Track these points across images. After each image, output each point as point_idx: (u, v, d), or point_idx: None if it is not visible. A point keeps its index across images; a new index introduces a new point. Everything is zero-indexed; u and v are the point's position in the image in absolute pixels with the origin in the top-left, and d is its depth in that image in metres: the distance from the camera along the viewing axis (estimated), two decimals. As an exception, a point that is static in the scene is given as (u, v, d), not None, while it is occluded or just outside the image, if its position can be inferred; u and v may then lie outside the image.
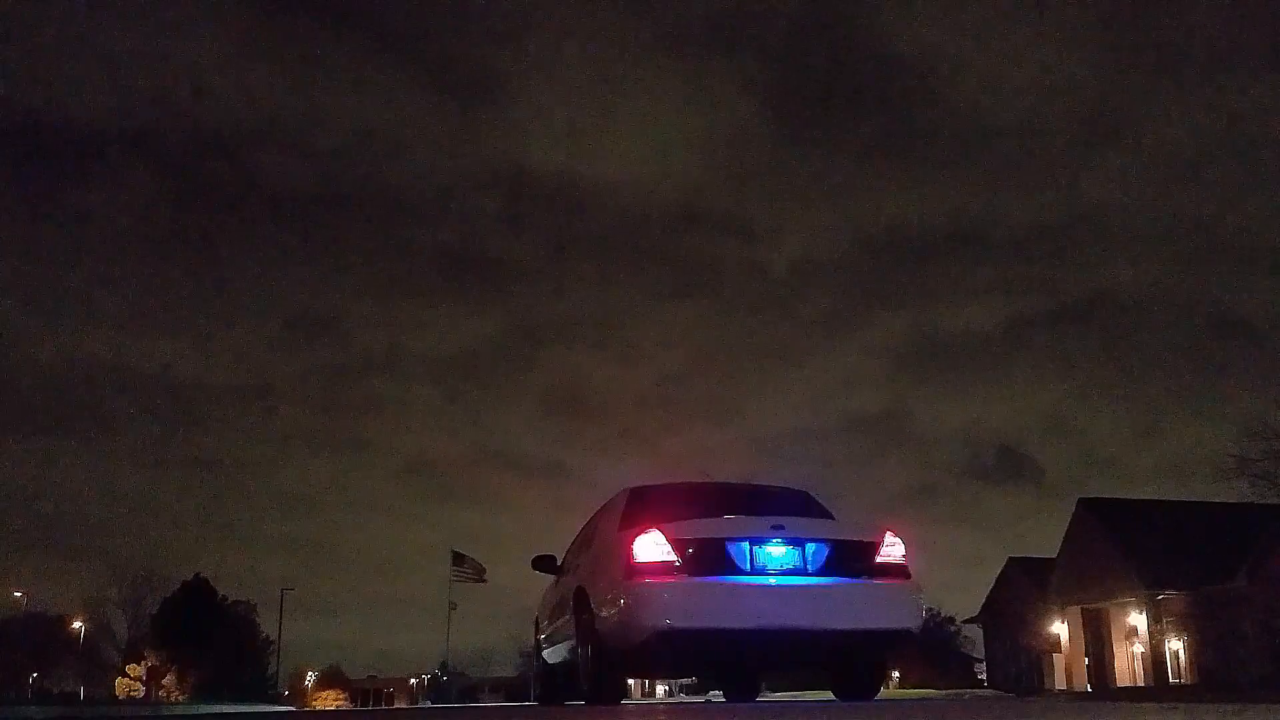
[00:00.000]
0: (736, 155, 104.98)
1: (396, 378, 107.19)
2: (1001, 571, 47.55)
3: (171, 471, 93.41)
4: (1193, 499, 36.41)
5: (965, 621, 55.35)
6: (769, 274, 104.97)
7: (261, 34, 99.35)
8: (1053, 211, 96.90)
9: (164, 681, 54.14)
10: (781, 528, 6.02)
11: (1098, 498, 39.68)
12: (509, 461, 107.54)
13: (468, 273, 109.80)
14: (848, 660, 6.71)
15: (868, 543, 6.18)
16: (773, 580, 5.88)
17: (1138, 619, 36.47)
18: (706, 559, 5.88)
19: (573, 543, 8.73)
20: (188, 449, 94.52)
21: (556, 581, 8.99)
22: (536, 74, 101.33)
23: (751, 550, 5.92)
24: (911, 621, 6.17)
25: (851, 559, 6.07)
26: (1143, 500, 38.74)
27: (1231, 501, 31.61)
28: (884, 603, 6.08)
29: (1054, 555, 40.95)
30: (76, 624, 55.72)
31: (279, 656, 59.87)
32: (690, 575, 5.85)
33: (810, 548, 6.00)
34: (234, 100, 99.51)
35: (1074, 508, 39.64)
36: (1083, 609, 39.01)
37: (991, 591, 48.20)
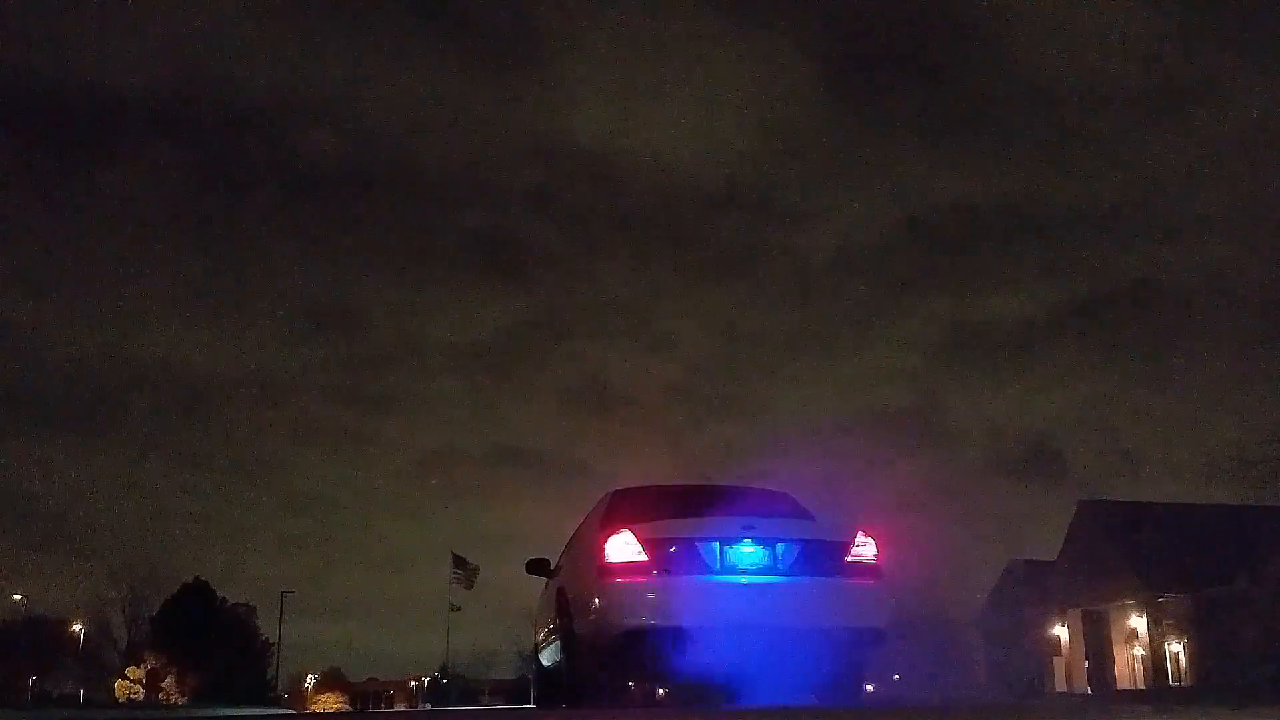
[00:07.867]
0: (786, 127, 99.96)
1: (414, 370, 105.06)
2: (1002, 573, 47.45)
3: (173, 470, 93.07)
4: (1193, 501, 36.25)
5: (966, 624, 55.18)
6: (810, 259, 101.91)
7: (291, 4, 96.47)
8: (1109, 190, 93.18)
9: (164, 684, 54.19)
10: (753, 527, 6.08)
11: (1098, 499, 39.52)
12: (525, 458, 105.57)
13: (495, 256, 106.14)
14: (820, 659, 6.68)
15: (839, 542, 6.22)
16: (743, 579, 5.95)
17: (1138, 622, 36.38)
18: (678, 558, 5.95)
19: (565, 546, 8.74)
20: (191, 447, 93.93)
21: (548, 584, 9.04)
22: (577, 35, 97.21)
23: (722, 550, 5.98)
24: (881, 620, 6.22)
25: (822, 558, 6.12)
26: (1143, 502, 38.57)
27: (1232, 503, 31.44)
28: (853, 602, 6.13)
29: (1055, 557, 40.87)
30: (76, 626, 55.78)
31: (279, 659, 59.96)
32: (661, 574, 5.92)
33: (781, 547, 6.05)
34: (260, 73, 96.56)
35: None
36: (1083, 611, 38.92)
37: (992, 593, 48.09)
